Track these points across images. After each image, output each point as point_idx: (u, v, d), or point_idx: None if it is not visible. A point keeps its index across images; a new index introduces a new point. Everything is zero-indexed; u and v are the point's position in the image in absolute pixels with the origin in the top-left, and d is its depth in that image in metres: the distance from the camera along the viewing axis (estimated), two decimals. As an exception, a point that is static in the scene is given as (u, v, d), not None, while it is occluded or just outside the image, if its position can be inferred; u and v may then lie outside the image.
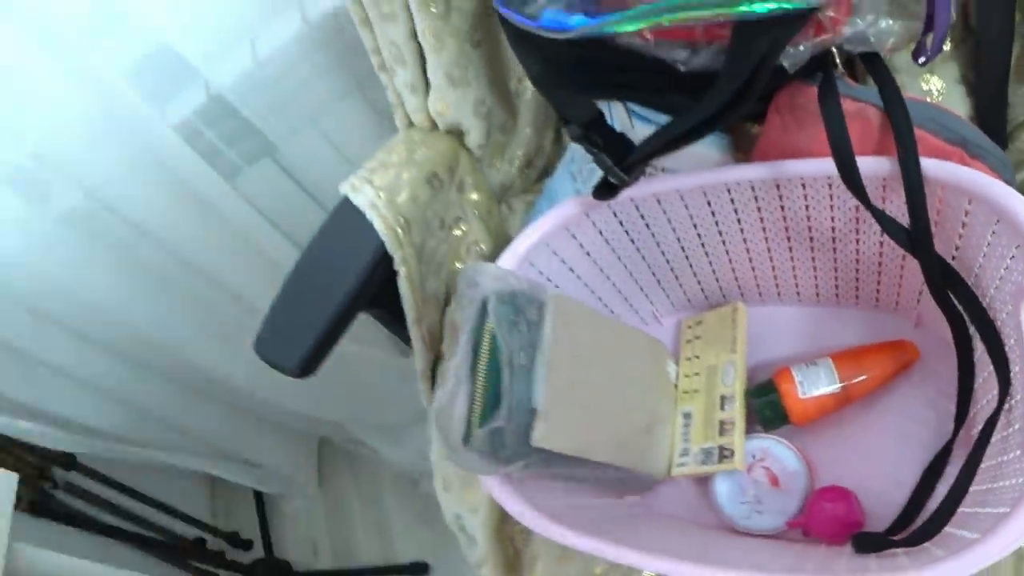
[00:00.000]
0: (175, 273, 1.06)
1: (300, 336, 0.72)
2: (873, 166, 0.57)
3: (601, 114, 0.64)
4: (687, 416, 0.73)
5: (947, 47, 0.65)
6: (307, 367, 0.71)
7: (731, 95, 0.56)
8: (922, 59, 0.58)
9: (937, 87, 0.66)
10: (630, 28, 0.53)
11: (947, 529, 0.52)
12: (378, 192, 0.73)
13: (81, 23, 0.82)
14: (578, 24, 0.55)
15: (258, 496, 1.67)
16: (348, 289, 0.72)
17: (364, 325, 0.77)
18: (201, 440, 1.33)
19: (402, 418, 1.41)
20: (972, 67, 0.66)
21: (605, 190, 0.65)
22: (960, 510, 0.52)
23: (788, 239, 0.68)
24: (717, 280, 0.76)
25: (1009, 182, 0.55)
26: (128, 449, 1.22)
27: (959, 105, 0.67)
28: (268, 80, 0.95)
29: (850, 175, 0.55)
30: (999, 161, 0.58)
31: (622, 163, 0.62)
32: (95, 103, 0.84)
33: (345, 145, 1.07)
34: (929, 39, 0.56)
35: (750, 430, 0.70)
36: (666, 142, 0.60)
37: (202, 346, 1.16)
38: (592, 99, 0.65)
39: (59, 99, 0.83)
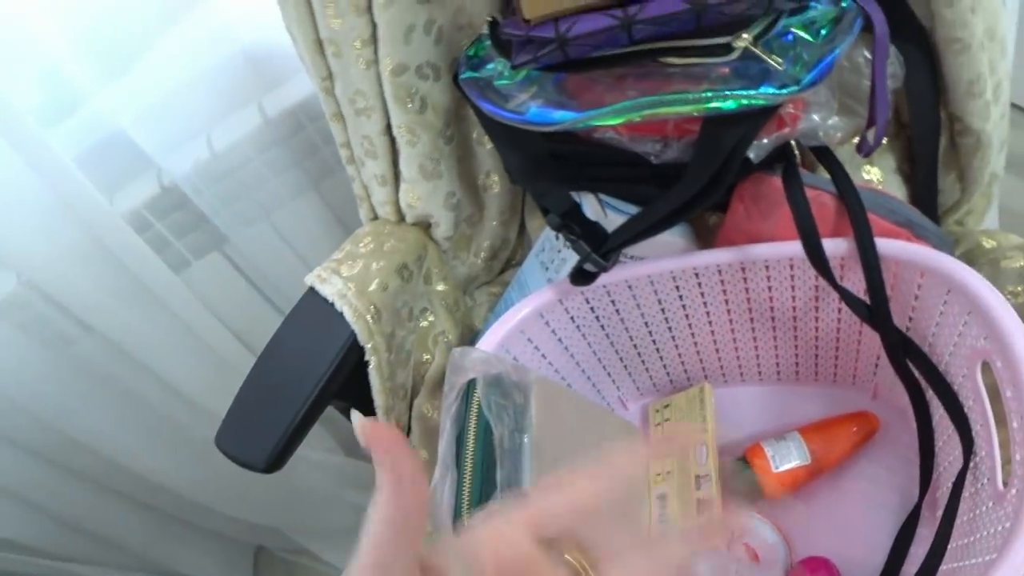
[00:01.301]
0: (112, 369, 1.01)
1: (268, 430, 0.69)
2: (832, 247, 0.61)
3: (577, 204, 0.68)
4: (662, 498, 0.73)
5: (884, 141, 0.72)
6: (275, 463, 0.69)
7: (702, 185, 0.60)
8: (864, 151, 0.64)
9: (877, 176, 0.73)
10: (611, 122, 0.57)
11: (932, 588, 0.54)
12: (347, 283, 0.73)
13: (34, 105, 0.80)
14: (563, 119, 0.58)
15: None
16: (318, 380, 0.71)
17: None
18: (127, 552, 1.23)
19: (344, 522, 1.35)
20: (906, 159, 0.73)
21: (581, 277, 0.67)
22: (943, 567, 0.55)
23: (751, 319, 0.72)
24: (683, 363, 0.79)
25: (950, 258, 0.60)
26: (48, 563, 1.11)
27: (896, 192, 0.74)
28: (223, 173, 0.94)
29: (817, 255, 0.59)
30: (940, 240, 0.64)
31: (599, 250, 0.65)
32: (42, 187, 0.81)
33: (297, 241, 1.07)
34: (871, 134, 0.63)
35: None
36: (641, 230, 0.64)
37: (135, 446, 1.10)
38: (567, 190, 0.68)
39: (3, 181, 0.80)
